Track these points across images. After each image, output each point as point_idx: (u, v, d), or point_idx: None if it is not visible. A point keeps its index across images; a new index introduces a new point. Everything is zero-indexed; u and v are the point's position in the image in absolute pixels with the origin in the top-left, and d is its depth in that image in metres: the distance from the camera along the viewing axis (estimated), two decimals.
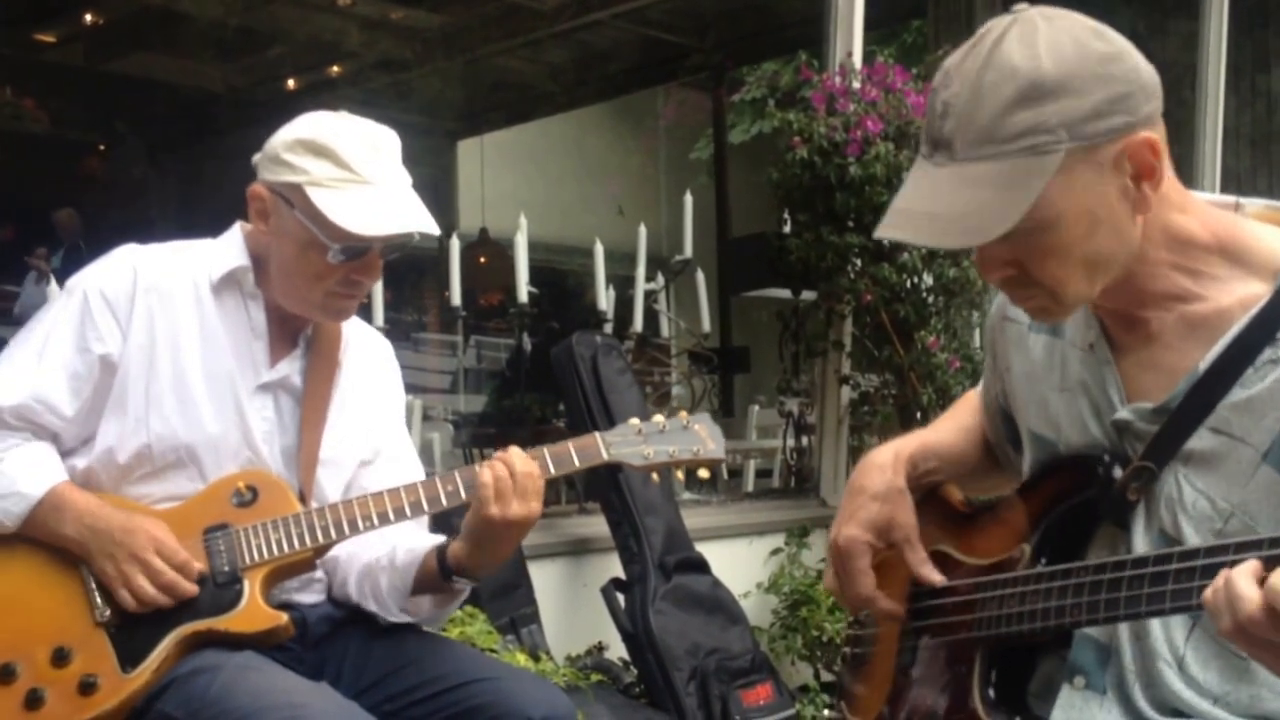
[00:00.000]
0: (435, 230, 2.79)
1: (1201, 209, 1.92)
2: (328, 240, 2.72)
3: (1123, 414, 1.94)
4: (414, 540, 2.87)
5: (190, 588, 2.67)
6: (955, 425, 2.44)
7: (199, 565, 2.69)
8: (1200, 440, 1.85)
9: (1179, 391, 1.86)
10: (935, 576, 2.19)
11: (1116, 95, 1.76)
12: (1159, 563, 1.72)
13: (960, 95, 1.81)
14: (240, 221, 2.92)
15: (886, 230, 1.90)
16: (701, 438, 2.97)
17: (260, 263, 2.88)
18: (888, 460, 2.28)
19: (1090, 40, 1.78)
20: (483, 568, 2.82)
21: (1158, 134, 1.82)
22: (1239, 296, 1.85)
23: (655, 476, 3.04)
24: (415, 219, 2.76)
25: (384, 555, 2.88)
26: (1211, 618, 1.56)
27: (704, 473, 3.05)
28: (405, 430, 3.17)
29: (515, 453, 2.74)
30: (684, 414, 3.04)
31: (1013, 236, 1.80)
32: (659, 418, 2.99)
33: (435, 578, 2.83)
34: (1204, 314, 1.88)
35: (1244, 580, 1.52)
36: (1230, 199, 2.00)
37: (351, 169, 2.72)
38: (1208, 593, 1.56)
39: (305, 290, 2.81)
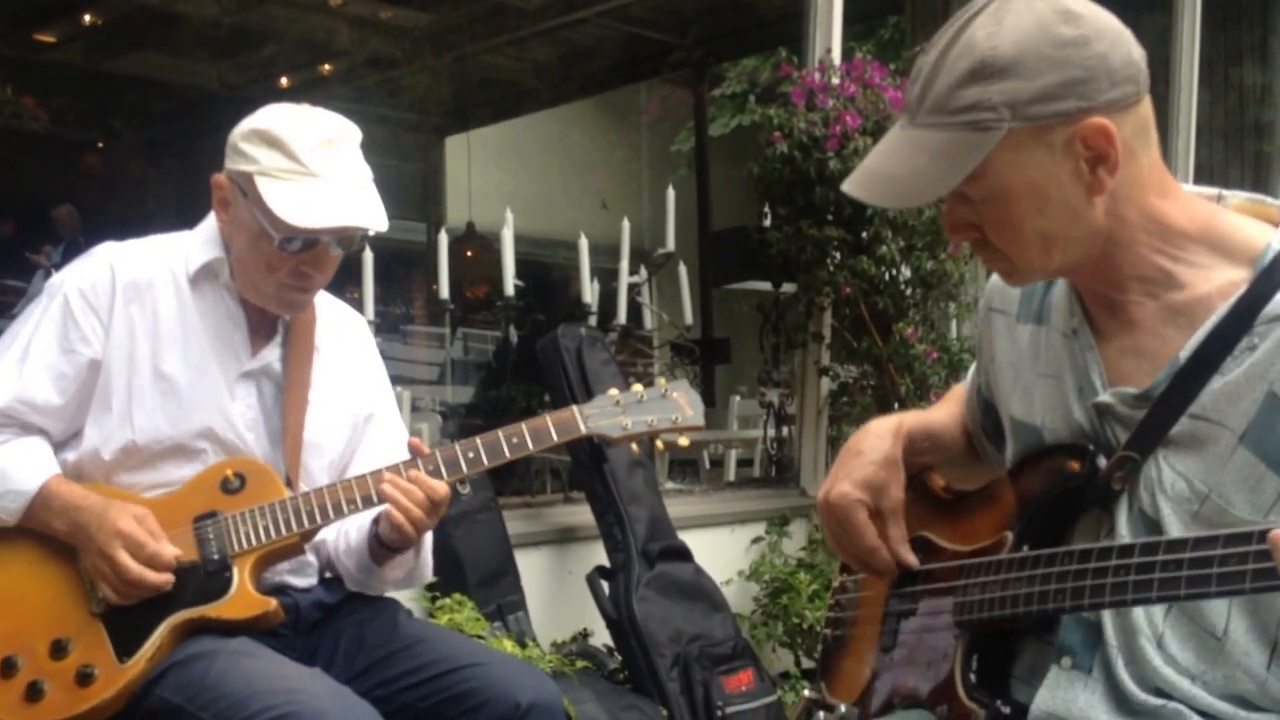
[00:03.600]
0: (381, 226, 2.78)
1: (1184, 197, 1.95)
2: (272, 231, 2.74)
3: (1104, 397, 1.96)
4: (363, 517, 2.89)
5: (157, 579, 2.69)
6: (947, 410, 2.45)
7: (173, 553, 2.71)
8: (1181, 425, 1.88)
9: (1161, 380, 1.89)
10: (911, 559, 2.22)
11: (1070, 80, 1.79)
12: (1145, 553, 1.75)
13: (929, 63, 1.87)
14: (214, 213, 2.94)
15: (848, 185, 1.97)
16: (680, 405, 2.97)
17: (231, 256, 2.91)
18: (888, 430, 2.30)
19: (1055, 24, 1.81)
20: (414, 544, 2.89)
21: (1130, 118, 1.85)
22: (1218, 284, 1.88)
23: (635, 447, 3.04)
24: (356, 214, 2.77)
25: (342, 540, 2.95)
26: None
27: (683, 440, 3.03)
28: (392, 399, 3.20)
29: (416, 483, 2.77)
30: (662, 381, 3.04)
31: (971, 203, 1.89)
32: (638, 387, 2.98)
33: (381, 555, 2.89)
34: (1184, 301, 1.90)
35: None
36: (1213, 190, 2.02)
37: (300, 161, 2.74)
38: (1275, 530, 1.55)
39: (258, 280, 2.84)
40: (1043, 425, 2.08)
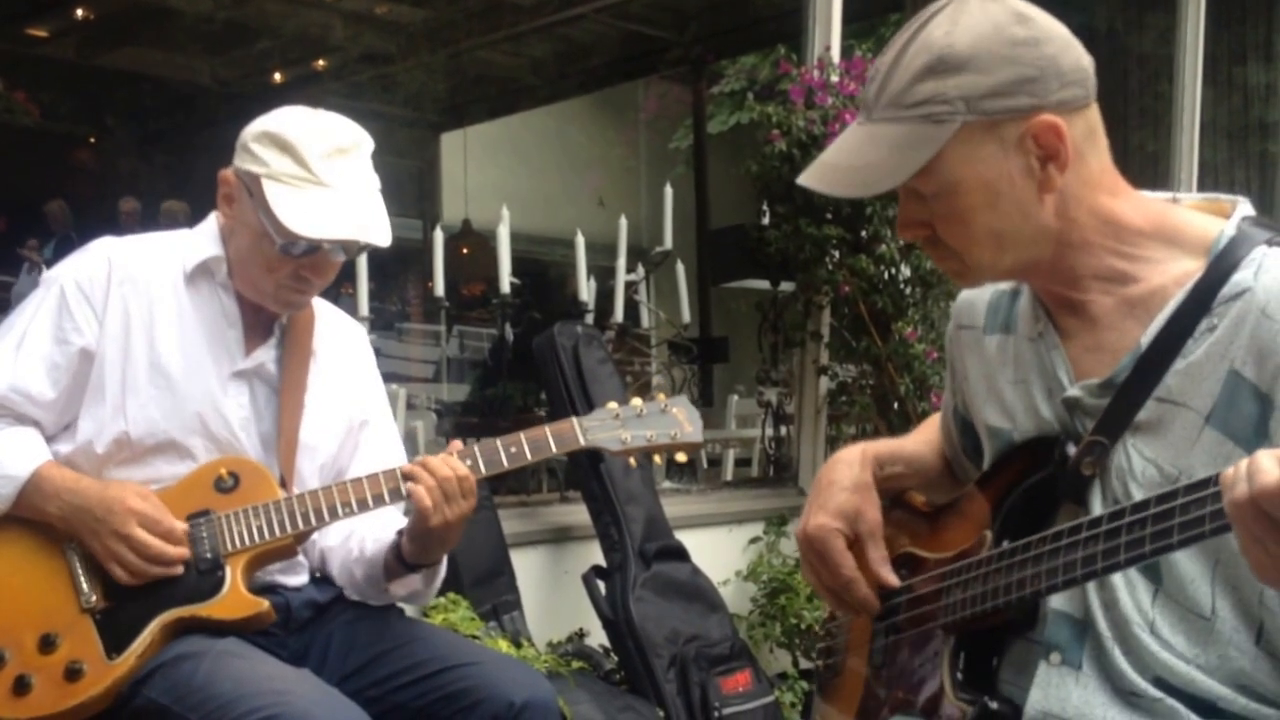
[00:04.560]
0: (384, 242, 2.80)
1: (1136, 196, 2.00)
2: (275, 235, 2.75)
3: (1072, 391, 1.99)
4: (379, 529, 2.91)
5: (178, 553, 2.70)
6: (922, 437, 2.49)
7: (183, 528, 2.72)
8: (1147, 411, 1.91)
9: (1124, 366, 1.93)
10: (891, 578, 2.23)
11: (1022, 77, 1.86)
12: (1113, 519, 1.77)
13: (887, 65, 1.94)
14: (215, 212, 2.95)
15: (803, 178, 2.02)
16: (679, 421, 2.97)
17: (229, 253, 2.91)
18: (855, 457, 2.33)
19: (1009, 25, 1.88)
20: (435, 558, 2.89)
21: (1079, 121, 1.91)
22: (1173, 275, 1.92)
23: (633, 461, 3.04)
24: (361, 228, 2.78)
25: (355, 548, 2.94)
26: (1226, 490, 1.57)
27: (681, 456, 3.04)
28: (387, 409, 3.20)
29: (443, 460, 2.77)
30: (662, 396, 3.03)
31: (923, 200, 1.94)
32: (637, 401, 2.99)
33: (397, 569, 2.88)
34: (1140, 294, 1.94)
35: (1266, 457, 1.54)
36: (1168, 195, 2.07)
37: (309, 169, 2.74)
38: (1228, 470, 1.58)
39: (257, 279, 2.85)
40: (1014, 428, 2.12)
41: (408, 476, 2.77)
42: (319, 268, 2.85)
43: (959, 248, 1.96)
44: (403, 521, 2.91)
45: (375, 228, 2.80)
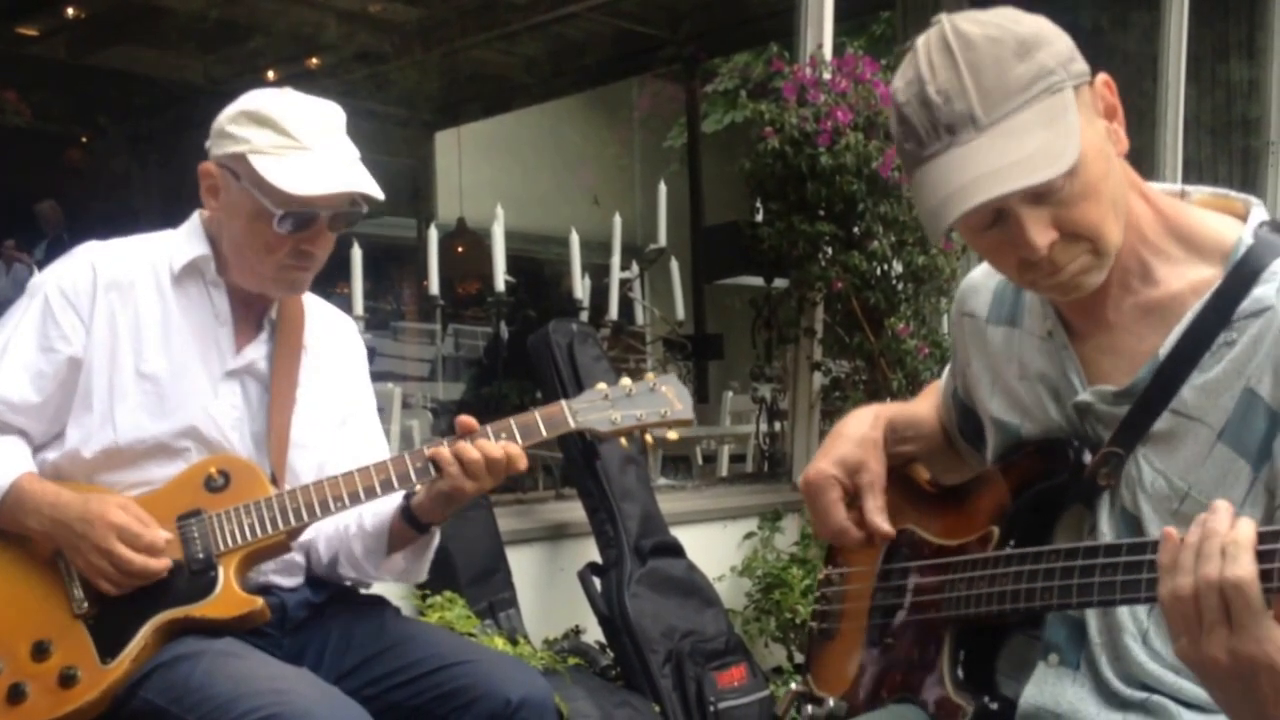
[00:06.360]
0: (378, 194, 2.79)
1: (1151, 191, 1.99)
2: (272, 207, 2.74)
3: (1084, 396, 1.99)
4: (378, 503, 2.89)
5: (161, 565, 2.68)
6: (930, 403, 2.48)
7: (165, 537, 2.70)
8: (1161, 422, 1.90)
9: (1142, 377, 1.92)
10: (886, 527, 2.23)
11: (1070, 44, 1.86)
12: (1133, 552, 1.75)
13: (953, 80, 1.81)
14: (199, 210, 2.94)
15: (951, 214, 1.83)
16: (669, 399, 2.95)
17: (220, 248, 2.90)
18: (869, 415, 2.35)
19: (1012, 11, 1.87)
20: (448, 516, 2.90)
21: None
22: (1191, 281, 1.91)
23: (624, 442, 3.02)
24: (355, 180, 2.78)
25: (352, 522, 2.93)
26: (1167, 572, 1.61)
27: (672, 434, 3.03)
28: (373, 404, 3.20)
29: (491, 443, 2.76)
30: (651, 375, 3.02)
31: (1041, 200, 1.81)
32: (626, 381, 2.97)
33: (405, 533, 2.88)
34: (1158, 298, 1.93)
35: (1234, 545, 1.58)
36: (1176, 187, 2.05)
37: (292, 135, 2.75)
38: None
39: (257, 263, 2.83)
40: (1022, 424, 2.11)
41: (434, 459, 2.76)
42: (317, 239, 2.83)
43: (1092, 232, 1.85)
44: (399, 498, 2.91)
45: (369, 182, 2.79)
